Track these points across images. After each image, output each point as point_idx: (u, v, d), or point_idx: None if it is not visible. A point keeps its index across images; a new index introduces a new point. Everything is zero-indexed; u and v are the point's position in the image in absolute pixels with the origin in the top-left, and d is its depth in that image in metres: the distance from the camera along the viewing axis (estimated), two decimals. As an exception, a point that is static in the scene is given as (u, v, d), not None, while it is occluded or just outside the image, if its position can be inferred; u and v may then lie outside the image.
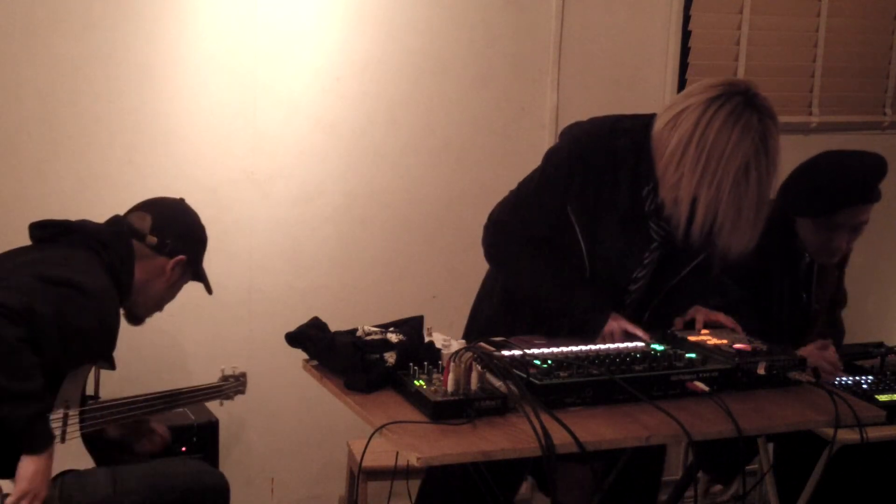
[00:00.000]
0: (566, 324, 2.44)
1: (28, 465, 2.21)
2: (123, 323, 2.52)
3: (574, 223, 2.40)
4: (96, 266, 2.41)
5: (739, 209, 2.21)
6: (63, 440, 2.40)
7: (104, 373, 2.63)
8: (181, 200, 2.71)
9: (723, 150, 2.19)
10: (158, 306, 2.66)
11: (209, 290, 2.75)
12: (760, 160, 2.21)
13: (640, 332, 2.39)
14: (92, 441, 2.51)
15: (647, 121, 2.35)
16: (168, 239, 2.57)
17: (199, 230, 2.70)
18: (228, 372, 2.95)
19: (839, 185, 2.83)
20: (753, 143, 2.19)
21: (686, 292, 2.53)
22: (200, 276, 2.72)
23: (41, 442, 2.23)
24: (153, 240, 2.55)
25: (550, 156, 2.47)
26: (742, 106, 2.21)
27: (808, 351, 2.73)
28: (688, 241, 2.29)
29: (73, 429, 2.44)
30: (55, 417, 2.36)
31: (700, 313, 2.49)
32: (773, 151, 2.24)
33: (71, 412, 2.42)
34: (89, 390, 2.67)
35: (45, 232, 2.50)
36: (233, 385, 2.93)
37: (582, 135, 2.43)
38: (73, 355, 2.32)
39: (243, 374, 2.97)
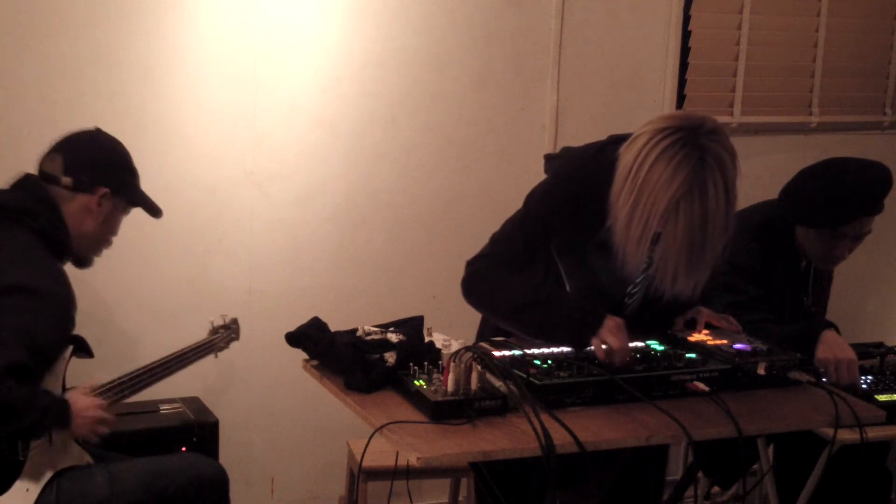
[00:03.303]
0: (558, 332, 2.30)
1: (74, 427, 2.26)
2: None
3: (557, 260, 2.37)
4: (33, 243, 2.36)
5: (667, 251, 2.10)
6: (51, 442, 2.36)
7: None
8: (95, 131, 2.59)
9: (654, 184, 2.07)
10: (100, 244, 2.57)
11: (153, 212, 2.63)
12: (692, 202, 2.05)
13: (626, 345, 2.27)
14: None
15: None
16: (83, 175, 2.47)
17: (117, 156, 2.57)
18: (218, 322, 2.86)
19: (845, 199, 2.81)
20: (685, 183, 2.05)
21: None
22: (138, 202, 2.60)
23: (60, 420, 2.26)
24: (68, 181, 2.45)
25: (533, 194, 2.43)
26: (682, 142, 2.07)
27: (830, 353, 2.72)
28: (625, 271, 2.21)
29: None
30: None
31: (701, 314, 2.48)
32: (713, 197, 2.06)
33: None
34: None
35: None
36: (224, 336, 2.86)
37: (564, 173, 2.41)
38: (47, 359, 2.31)
39: (234, 321, 2.88)
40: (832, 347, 2.70)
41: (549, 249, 2.40)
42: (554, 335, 2.30)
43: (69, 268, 2.54)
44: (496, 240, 2.46)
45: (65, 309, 2.35)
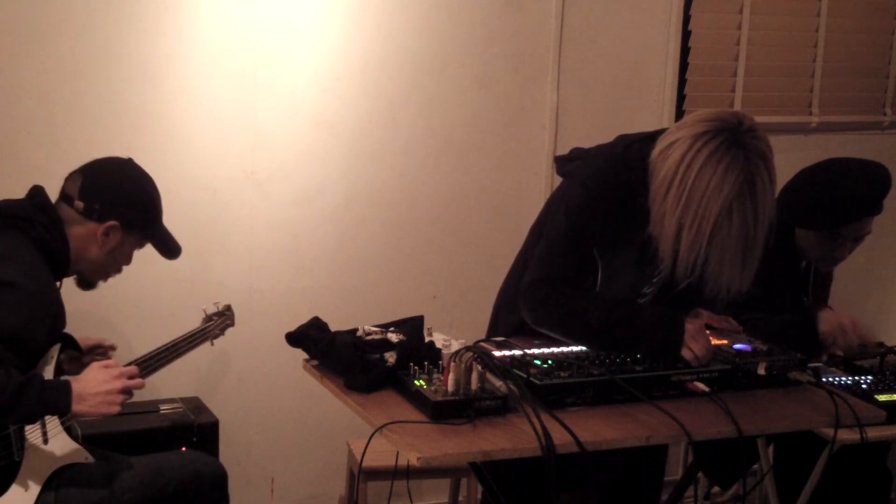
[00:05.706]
0: (642, 350, 2.30)
1: (87, 409, 2.23)
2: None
3: (598, 261, 2.36)
4: (22, 245, 2.35)
5: (723, 252, 2.14)
6: (46, 441, 2.36)
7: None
8: (126, 161, 2.57)
9: (704, 190, 2.11)
10: (105, 272, 2.56)
11: (168, 254, 2.62)
12: (745, 203, 2.12)
13: (724, 325, 2.36)
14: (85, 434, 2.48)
15: (652, 145, 2.27)
16: (96, 203, 2.45)
17: (137, 193, 2.54)
18: (211, 310, 2.85)
19: (844, 201, 2.81)
20: (736, 185, 2.10)
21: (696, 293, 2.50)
22: (152, 240, 2.58)
23: (55, 402, 2.21)
24: (80, 205, 2.45)
25: (570, 204, 2.39)
26: (727, 144, 2.12)
27: (834, 320, 2.76)
28: (675, 274, 2.24)
29: (53, 425, 2.39)
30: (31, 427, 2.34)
31: (701, 316, 2.48)
32: (762, 193, 2.13)
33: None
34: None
35: None
36: (217, 323, 2.84)
37: (595, 176, 2.37)
38: (22, 351, 2.28)
39: (228, 308, 2.86)
40: (831, 320, 2.74)
41: (594, 254, 2.37)
42: (639, 351, 2.29)
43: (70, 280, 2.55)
44: (547, 261, 2.38)
45: (40, 305, 2.32)
